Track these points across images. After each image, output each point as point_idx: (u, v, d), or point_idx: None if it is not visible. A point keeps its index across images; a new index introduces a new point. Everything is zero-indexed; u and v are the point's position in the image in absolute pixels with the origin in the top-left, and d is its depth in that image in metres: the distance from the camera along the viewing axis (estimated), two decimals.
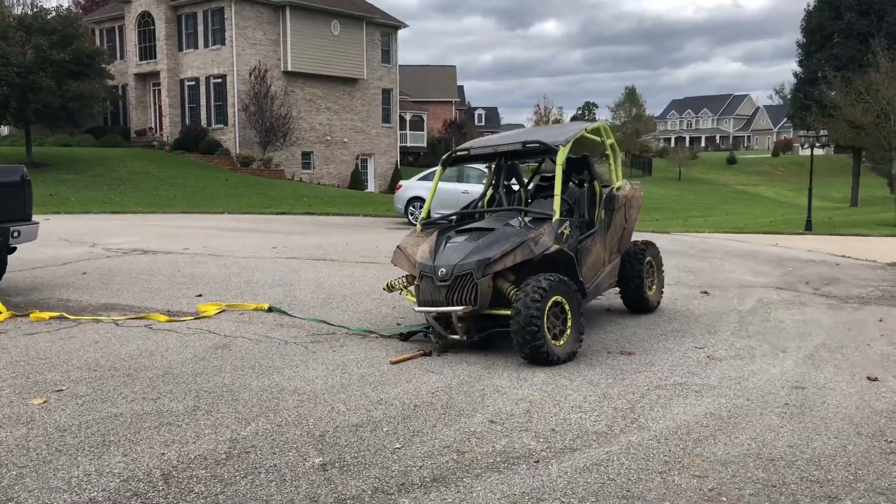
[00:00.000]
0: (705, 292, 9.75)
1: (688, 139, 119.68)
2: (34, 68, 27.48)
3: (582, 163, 8.07)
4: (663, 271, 8.73)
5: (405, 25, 44.74)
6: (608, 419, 4.96)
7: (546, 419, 4.97)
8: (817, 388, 5.69)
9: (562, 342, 6.36)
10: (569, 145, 7.13)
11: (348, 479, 4.08)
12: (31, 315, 8.13)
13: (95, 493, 3.93)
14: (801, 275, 11.72)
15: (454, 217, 7.82)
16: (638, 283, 8.08)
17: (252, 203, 27.00)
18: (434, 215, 7.97)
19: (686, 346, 6.96)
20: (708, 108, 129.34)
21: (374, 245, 15.11)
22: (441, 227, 7.28)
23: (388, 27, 43.59)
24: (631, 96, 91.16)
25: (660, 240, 14.82)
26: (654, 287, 8.49)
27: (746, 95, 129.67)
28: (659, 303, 8.56)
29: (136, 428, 4.84)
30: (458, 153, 7.63)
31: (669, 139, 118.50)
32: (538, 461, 4.29)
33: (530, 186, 8.46)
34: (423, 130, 55.41)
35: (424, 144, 54.32)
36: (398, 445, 4.54)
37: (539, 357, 6.14)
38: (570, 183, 8.18)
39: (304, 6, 38.19)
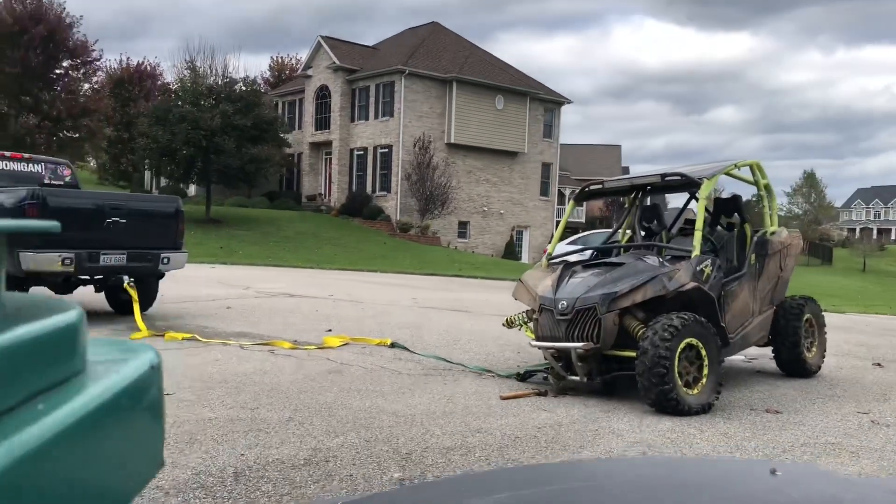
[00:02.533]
0: (879, 364, 8.53)
1: (875, 230, 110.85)
2: (219, 132, 29.88)
3: (732, 204, 7.36)
4: (825, 333, 7.71)
5: (569, 101, 44.95)
6: None
7: None
8: None
9: (695, 391, 5.64)
10: (714, 179, 6.52)
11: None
12: (165, 335, 8.40)
13: (164, 483, 3.77)
14: None
15: (586, 254, 7.33)
16: (794, 340, 7.15)
17: (405, 264, 27.46)
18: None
19: (847, 409, 5.99)
20: None
21: (514, 299, 14.71)
22: (568, 263, 6.81)
23: (551, 102, 43.95)
24: (810, 180, 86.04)
25: (832, 318, 13.36)
26: (815, 349, 7.49)
27: None
28: (819, 368, 7.53)
29: (225, 431, 4.69)
30: (592, 188, 7.19)
31: (854, 229, 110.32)
32: None
33: (674, 230, 7.82)
34: (582, 206, 54.83)
35: (583, 220, 53.68)
36: (486, 470, 4.07)
37: (667, 404, 5.46)
38: (719, 226, 7.48)
39: (470, 81, 39.35)
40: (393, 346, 8.24)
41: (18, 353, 0.71)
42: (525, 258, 42.17)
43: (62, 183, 10.60)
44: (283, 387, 6.02)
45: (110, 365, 0.81)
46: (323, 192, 42.96)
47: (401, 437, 4.67)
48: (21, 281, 8.97)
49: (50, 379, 0.74)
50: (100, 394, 0.76)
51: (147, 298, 9.91)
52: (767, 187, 7.35)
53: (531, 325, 6.61)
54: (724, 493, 0.72)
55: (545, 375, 6.60)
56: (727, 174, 6.97)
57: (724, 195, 7.30)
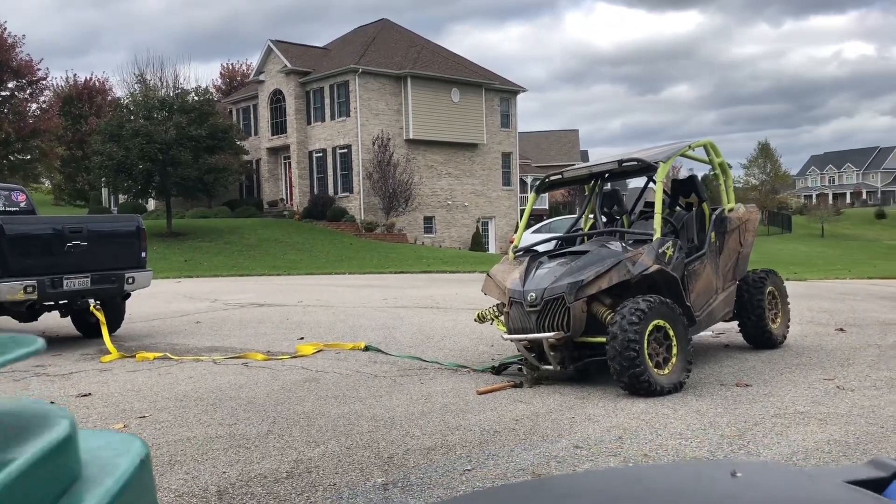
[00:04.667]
0: (841, 329, 8.77)
1: (830, 196, 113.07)
2: (174, 144, 29.50)
3: (689, 184, 7.51)
4: (788, 303, 7.90)
5: (524, 90, 45.14)
6: (711, 445, 4.35)
7: (639, 445, 4.42)
8: None
9: (666, 371, 5.76)
10: (669, 162, 6.63)
11: (408, 499, 3.70)
12: (136, 355, 8.32)
13: None
14: None
15: (550, 245, 7.42)
16: (759, 313, 7.32)
17: (373, 264, 27.41)
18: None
19: (813, 378, 6.16)
20: (852, 163, 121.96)
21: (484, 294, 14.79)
22: (534, 254, 6.89)
23: (506, 92, 44.10)
24: (765, 151, 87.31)
25: (794, 286, 13.68)
26: (779, 320, 7.68)
27: (895, 147, 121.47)
28: (785, 338, 7.72)
29: (205, 450, 4.68)
30: (552, 178, 7.27)
31: (810, 196, 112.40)
32: None
33: (634, 214, 7.94)
34: (545, 194, 55.18)
35: (546, 207, 54.02)
36: (469, 468, 4.13)
37: (639, 386, 5.57)
38: (678, 207, 7.63)
39: (424, 76, 39.32)
40: (367, 349, 8.25)
41: (17, 487, 0.73)
42: (492, 248, 42.37)
43: (17, 209, 10.40)
44: (259, 400, 6.02)
45: (103, 466, 0.84)
46: (284, 197, 42.66)
47: (381, 441, 4.71)
48: None
49: (51, 496, 0.77)
50: (100, 501, 0.81)
51: (115, 319, 9.80)
52: (722, 165, 7.50)
53: (502, 318, 6.68)
54: (680, 499, 0.76)
55: (520, 367, 6.68)
56: (682, 155, 7.11)
57: (682, 174, 7.42)
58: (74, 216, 10.48)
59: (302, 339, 9.30)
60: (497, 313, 6.87)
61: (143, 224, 9.72)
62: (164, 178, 30.31)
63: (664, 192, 6.98)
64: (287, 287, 18.52)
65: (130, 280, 9.32)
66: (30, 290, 8.37)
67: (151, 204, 40.15)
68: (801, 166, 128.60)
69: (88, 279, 8.90)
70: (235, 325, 10.97)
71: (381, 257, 29.90)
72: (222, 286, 19.32)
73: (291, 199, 41.69)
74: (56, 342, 9.96)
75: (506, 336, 6.34)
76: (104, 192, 43.17)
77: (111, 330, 9.48)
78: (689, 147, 7.09)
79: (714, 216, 7.10)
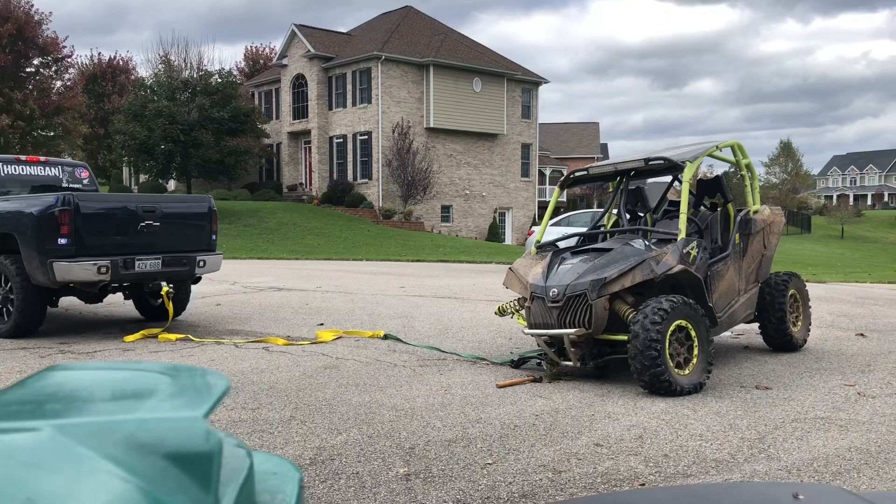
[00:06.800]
0: (861, 334, 8.73)
1: (851, 197, 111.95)
2: (196, 126, 29.69)
3: (714, 184, 7.48)
4: (810, 307, 7.88)
5: (546, 81, 44.94)
6: (732, 448, 4.37)
7: (659, 445, 4.44)
8: None
9: (686, 371, 5.78)
10: (697, 162, 6.62)
11: (430, 490, 3.75)
12: (159, 337, 8.42)
13: None
14: None
15: (573, 241, 7.43)
16: (780, 316, 7.30)
17: (390, 252, 27.49)
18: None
19: (833, 383, 6.15)
20: (874, 164, 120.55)
21: (501, 286, 14.81)
22: (557, 250, 6.91)
23: (528, 83, 43.95)
24: (786, 150, 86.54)
25: (813, 289, 13.59)
26: (800, 323, 7.66)
27: None
28: (805, 341, 7.70)
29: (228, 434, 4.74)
30: (577, 174, 7.27)
31: (831, 197, 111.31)
32: (643, 484, 3.80)
33: (658, 213, 7.93)
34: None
35: (564, 199, 53.85)
36: (490, 461, 4.17)
37: (660, 385, 5.59)
38: (702, 207, 7.61)
39: (446, 65, 39.25)
40: (386, 337, 8.31)
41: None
42: (509, 239, 42.36)
43: (80, 186, 10.18)
44: (281, 385, 6.09)
45: (274, 492, 0.91)
46: (304, 182, 42.80)
47: (402, 431, 4.76)
48: (53, 292, 8.65)
49: None
50: None
51: (181, 303, 9.58)
52: (749, 167, 7.48)
53: (523, 312, 6.71)
54: None
55: (539, 361, 6.71)
56: (709, 155, 7.09)
57: (703, 168, 7.40)
58: (147, 195, 10.31)
59: (321, 325, 9.37)
60: (518, 307, 6.89)
61: (214, 205, 9.40)
62: (186, 159, 30.54)
63: (689, 191, 6.97)
64: (305, 272, 18.63)
65: (202, 263, 8.95)
66: (103, 270, 8.04)
67: (172, 184, 40.41)
68: (822, 166, 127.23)
69: (160, 261, 8.55)
70: (255, 308, 11.06)
71: (399, 245, 29.98)
72: (241, 269, 19.44)
73: (311, 184, 41.83)
74: (78, 320, 10.09)
75: (526, 331, 6.37)
76: (125, 170, 43.51)
77: (175, 314, 9.31)
78: (717, 147, 7.07)
79: (739, 218, 7.08)
